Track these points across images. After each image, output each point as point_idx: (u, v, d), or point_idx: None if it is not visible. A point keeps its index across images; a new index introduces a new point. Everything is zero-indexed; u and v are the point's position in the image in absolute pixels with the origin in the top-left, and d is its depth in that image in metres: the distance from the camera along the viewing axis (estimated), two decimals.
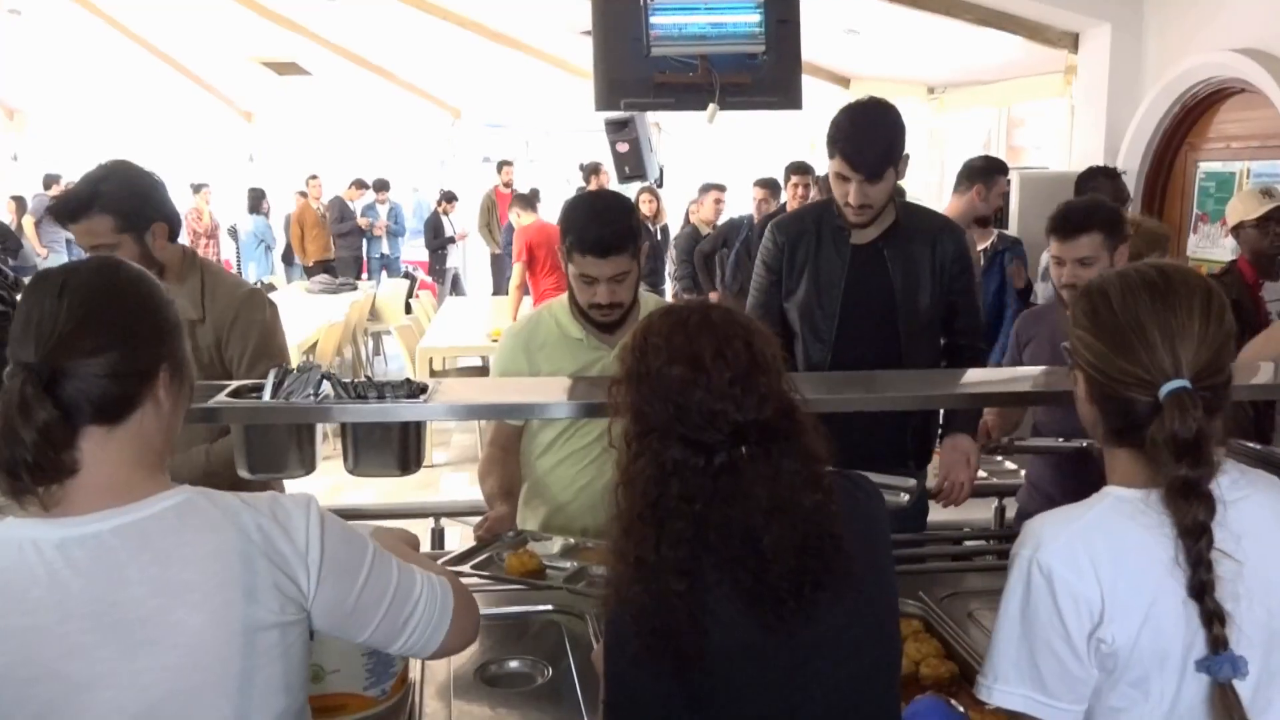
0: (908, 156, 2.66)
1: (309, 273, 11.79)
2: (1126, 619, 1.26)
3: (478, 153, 14.45)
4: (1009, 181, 4.66)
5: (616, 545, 1.33)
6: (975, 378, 2.49)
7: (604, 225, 2.31)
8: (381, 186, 12.90)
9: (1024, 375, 2.63)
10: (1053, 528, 1.33)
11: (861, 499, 1.44)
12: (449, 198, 12.26)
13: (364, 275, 12.22)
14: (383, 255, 12.78)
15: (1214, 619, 1.23)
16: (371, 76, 11.43)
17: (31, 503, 1.17)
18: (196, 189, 12.31)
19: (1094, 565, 1.27)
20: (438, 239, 12.18)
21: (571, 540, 2.31)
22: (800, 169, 6.97)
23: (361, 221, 12.37)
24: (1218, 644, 1.24)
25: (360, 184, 12.77)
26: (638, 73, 4.59)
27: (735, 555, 1.27)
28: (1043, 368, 2.65)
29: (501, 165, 11.98)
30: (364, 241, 12.52)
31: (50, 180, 12.07)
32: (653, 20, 4.48)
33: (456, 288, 12.32)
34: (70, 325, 1.17)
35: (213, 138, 13.92)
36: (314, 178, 12.35)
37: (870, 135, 2.57)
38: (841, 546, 1.29)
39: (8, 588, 1.15)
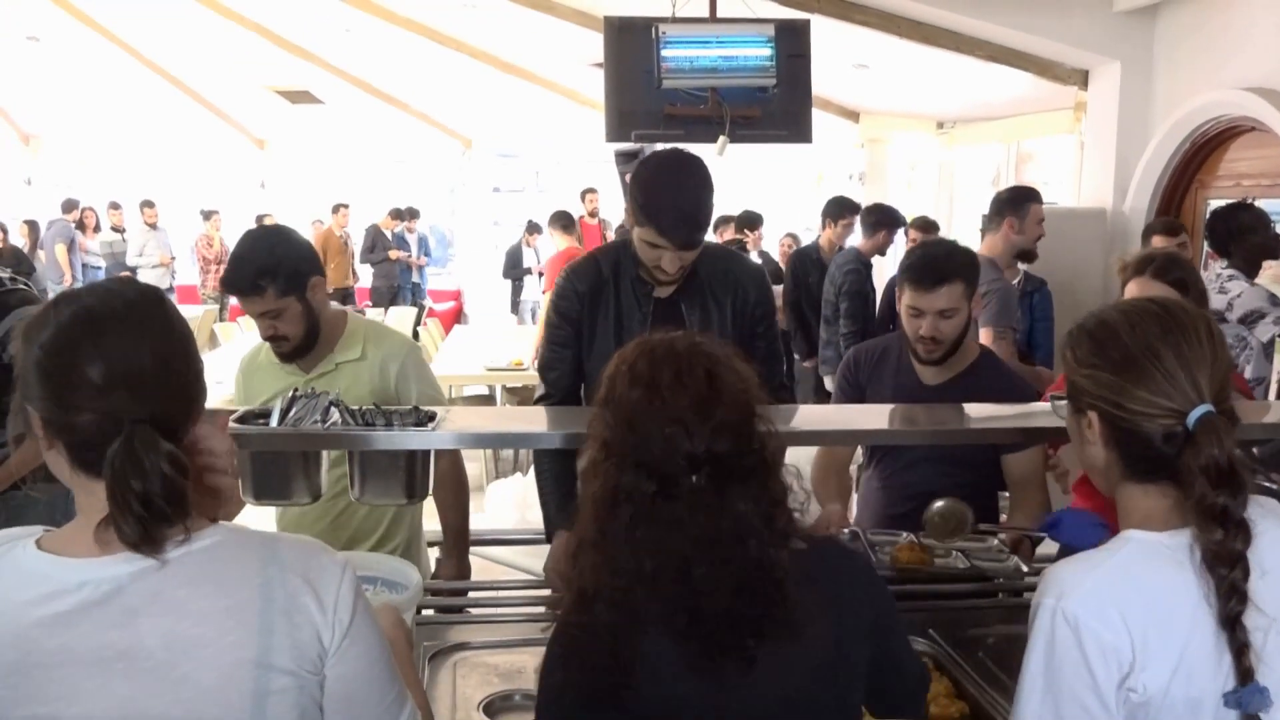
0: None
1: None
2: (1158, 667, 1.23)
3: (488, 182, 14.52)
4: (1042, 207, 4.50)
5: (566, 571, 1.32)
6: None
7: (234, 262, 2.42)
8: (411, 215, 12.72)
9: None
10: (1076, 574, 1.28)
11: (837, 560, 1.39)
12: (533, 228, 11.49)
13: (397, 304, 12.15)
14: (414, 285, 12.68)
15: (1244, 650, 1.21)
16: (384, 105, 11.52)
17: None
18: (207, 216, 12.38)
19: (1122, 613, 1.23)
20: (515, 270, 11.60)
21: None
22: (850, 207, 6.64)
23: (392, 253, 12.24)
24: (1246, 676, 1.21)
25: (397, 214, 12.60)
26: (648, 104, 4.62)
27: (670, 588, 1.24)
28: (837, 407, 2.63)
29: (585, 193, 11.08)
30: (398, 270, 12.38)
31: (70, 205, 12.14)
32: (664, 53, 4.51)
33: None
34: (112, 379, 1.12)
35: (225, 164, 14.02)
36: (344, 206, 12.32)
37: (691, 207, 2.32)
38: (786, 595, 1.24)
39: (17, 623, 1.11)
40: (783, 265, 8.67)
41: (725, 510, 1.25)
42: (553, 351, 2.52)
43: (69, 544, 1.15)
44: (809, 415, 2.53)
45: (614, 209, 10.08)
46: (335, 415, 1.93)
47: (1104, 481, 1.38)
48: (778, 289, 8.06)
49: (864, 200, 7.24)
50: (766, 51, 4.56)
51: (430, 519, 2.74)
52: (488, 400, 7.42)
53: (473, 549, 3.71)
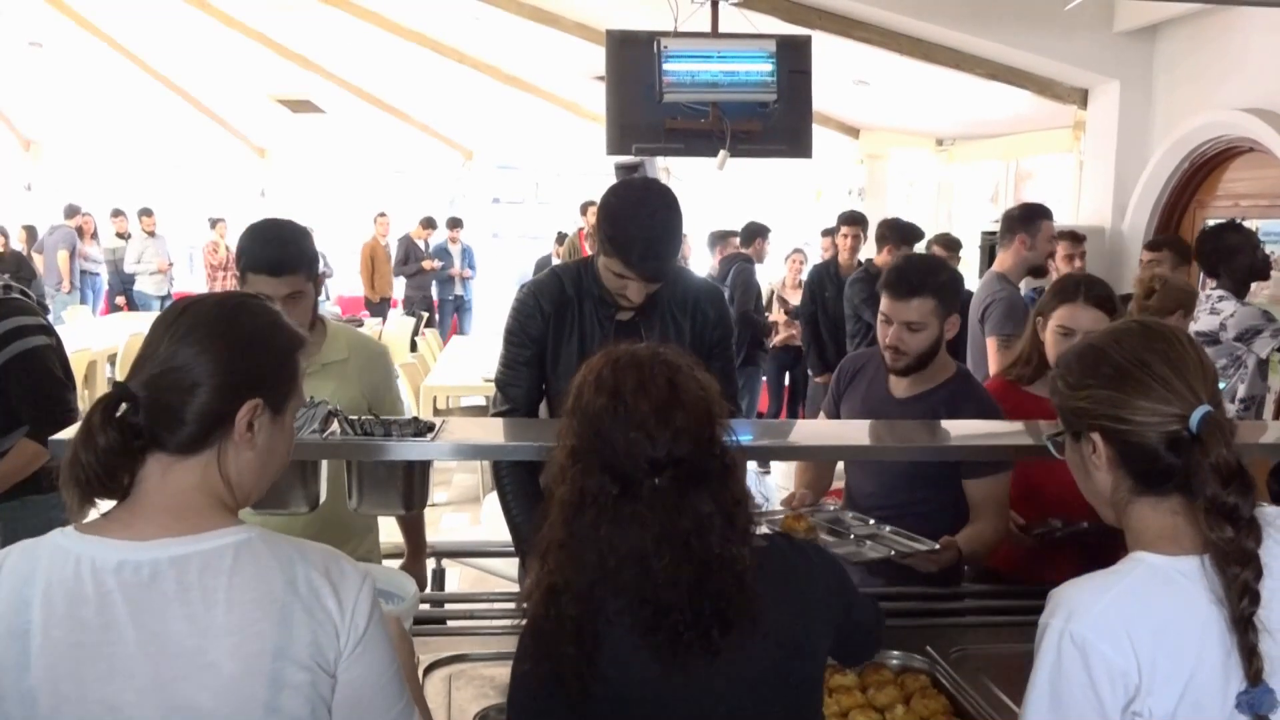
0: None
1: (373, 308, 11.70)
2: (1165, 691, 1.22)
3: (488, 193, 14.55)
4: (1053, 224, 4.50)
5: (534, 571, 1.37)
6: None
7: (274, 243, 2.33)
8: (454, 224, 12.42)
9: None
10: (1085, 596, 1.27)
11: (793, 556, 1.45)
12: (562, 239, 11.13)
13: (435, 316, 11.95)
14: (456, 297, 12.28)
15: (1253, 653, 1.20)
16: (385, 115, 11.55)
17: (88, 514, 1.21)
18: (213, 223, 12.36)
19: (1131, 636, 1.22)
20: None
21: None
22: (853, 219, 6.57)
23: (426, 264, 11.99)
24: (1257, 677, 1.21)
25: (428, 223, 12.38)
26: (649, 118, 4.64)
27: (631, 582, 1.30)
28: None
29: (586, 207, 10.74)
30: (433, 281, 12.14)
31: (72, 210, 12.12)
32: (666, 67, 4.53)
33: None
34: (165, 361, 1.23)
35: (226, 173, 14.03)
36: (382, 215, 12.19)
37: (660, 241, 2.27)
38: (746, 586, 1.30)
39: (60, 604, 1.16)
40: (789, 283, 8.63)
41: (686, 509, 1.30)
42: (515, 370, 2.50)
43: (109, 527, 1.21)
44: (767, 429, 2.55)
45: None
46: (334, 425, 1.93)
47: (1110, 510, 1.36)
48: (788, 298, 8.04)
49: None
50: (768, 67, 4.58)
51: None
52: (485, 411, 7.40)
53: (469, 560, 3.71)
